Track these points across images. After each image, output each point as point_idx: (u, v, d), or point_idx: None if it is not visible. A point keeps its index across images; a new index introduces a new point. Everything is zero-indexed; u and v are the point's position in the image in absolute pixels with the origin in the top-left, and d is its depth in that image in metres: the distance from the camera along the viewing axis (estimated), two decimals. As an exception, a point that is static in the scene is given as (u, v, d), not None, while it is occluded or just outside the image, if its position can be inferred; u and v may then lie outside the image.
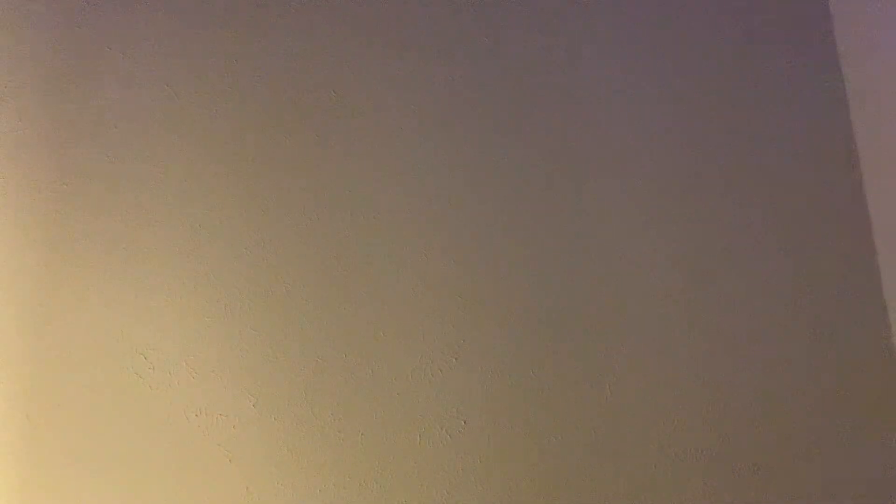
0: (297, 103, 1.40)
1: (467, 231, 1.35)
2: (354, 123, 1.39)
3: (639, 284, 1.34)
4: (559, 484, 1.27)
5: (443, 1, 1.46)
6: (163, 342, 1.28)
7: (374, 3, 1.45)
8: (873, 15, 1.35)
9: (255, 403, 1.26)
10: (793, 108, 1.42)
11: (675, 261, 1.35)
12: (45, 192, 1.35)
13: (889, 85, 1.32)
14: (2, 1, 1.42)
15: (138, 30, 1.42)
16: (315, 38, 1.43)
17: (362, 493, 1.24)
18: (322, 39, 1.43)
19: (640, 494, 1.26)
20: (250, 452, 1.25)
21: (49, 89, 1.39)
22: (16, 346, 1.28)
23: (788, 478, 1.27)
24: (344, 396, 1.27)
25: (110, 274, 1.31)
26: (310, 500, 1.24)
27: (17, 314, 1.29)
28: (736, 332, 1.32)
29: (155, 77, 1.40)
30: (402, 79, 1.42)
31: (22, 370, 1.27)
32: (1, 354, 1.27)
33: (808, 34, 1.45)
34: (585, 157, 1.39)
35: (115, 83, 1.40)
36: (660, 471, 1.27)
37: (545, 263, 1.35)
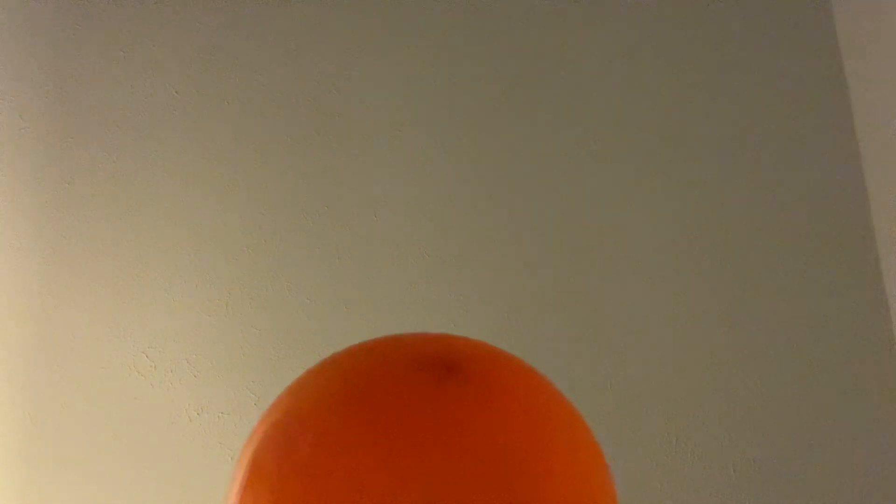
0: (299, 101, 1.40)
1: (468, 230, 1.36)
2: (357, 122, 1.40)
3: (640, 283, 1.34)
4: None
5: None
6: (164, 341, 1.28)
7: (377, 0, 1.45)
8: (876, 15, 1.36)
9: (257, 402, 1.26)
10: (793, 105, 1.43)
11: (677, 259, 1.35)
12: (45, 191, 1.35)
13: (891, 83, 1.33)
14: (2, 1, 1.42)
15: (139, 29, 1.43)
16: (317, 36, 1.43)
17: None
18: (324, 36, 1.43)
19: (641, 492, 1.26)
20: (252, 451, 1.24)
21: (49, 89, 1.40)
22: (17, 346, 1.28)
23: (789, 475, 1.27)
24: (346, 395, 1.27)
25: (111, 273, 1.31)
26: (312, 499, 1.23)
27: (17, 314, 1.29)
28: (737, 329, 1.33)
29: (156, 76, 1.41)
30: (404, 77, 1.42)
31: (23, 370, 1.27)
32: (2, 354, 1.27)
33: (810, 33, 1.46)
34: (586, 155, 1.40)
35: (116, 83, 1.40)
36: (661, 468, 1.27)
37: (546, 262, 1.35)
